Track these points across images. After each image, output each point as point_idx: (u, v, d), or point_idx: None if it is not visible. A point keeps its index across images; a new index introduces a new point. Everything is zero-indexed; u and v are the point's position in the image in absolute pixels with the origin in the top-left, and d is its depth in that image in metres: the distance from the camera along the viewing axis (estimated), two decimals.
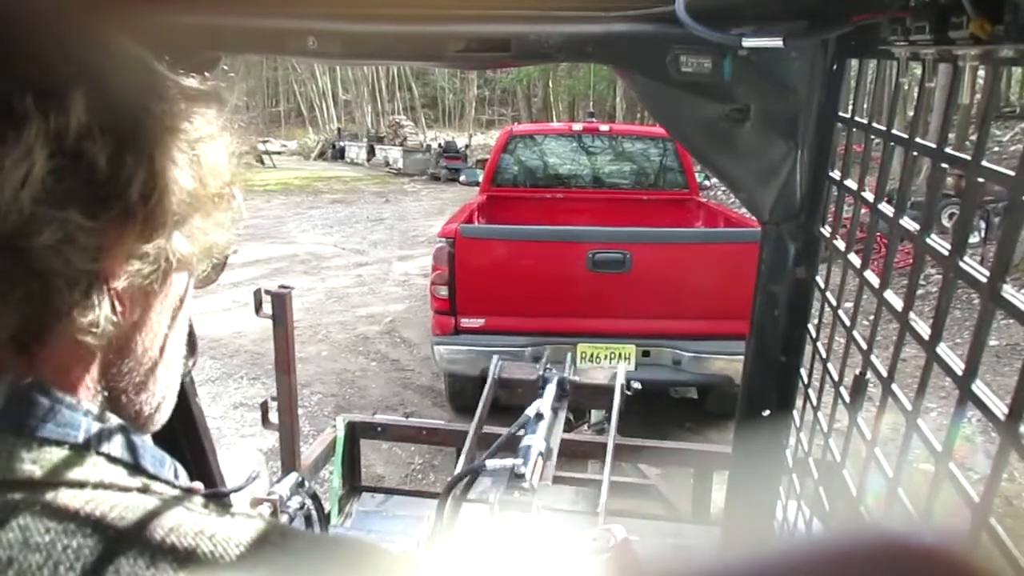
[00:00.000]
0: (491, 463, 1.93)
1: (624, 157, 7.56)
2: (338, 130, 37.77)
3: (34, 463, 0.45)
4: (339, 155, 31.36)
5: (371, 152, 29.96)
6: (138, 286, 0.52)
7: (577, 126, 7.69)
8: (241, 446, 4.95)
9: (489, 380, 2.12)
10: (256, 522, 0.48)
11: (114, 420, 0.52)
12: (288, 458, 2.59)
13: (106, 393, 0.54)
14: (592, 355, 4.89)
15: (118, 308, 0.51)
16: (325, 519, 2.23)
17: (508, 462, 1.88)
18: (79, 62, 0.48)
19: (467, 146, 29.94)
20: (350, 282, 10.32)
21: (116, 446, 0.50)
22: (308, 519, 2.08)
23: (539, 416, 1.83)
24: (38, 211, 0.45)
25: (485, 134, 39.48)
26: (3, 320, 0.46)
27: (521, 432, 1.89)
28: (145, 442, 0.53)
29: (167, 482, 0.52)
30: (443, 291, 5.06)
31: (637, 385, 3.70)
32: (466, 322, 4.98)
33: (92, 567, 0.41)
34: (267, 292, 2.34)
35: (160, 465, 0.53)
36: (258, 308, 2.35)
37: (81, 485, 0.46)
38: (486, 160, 9.55)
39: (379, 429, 3.00)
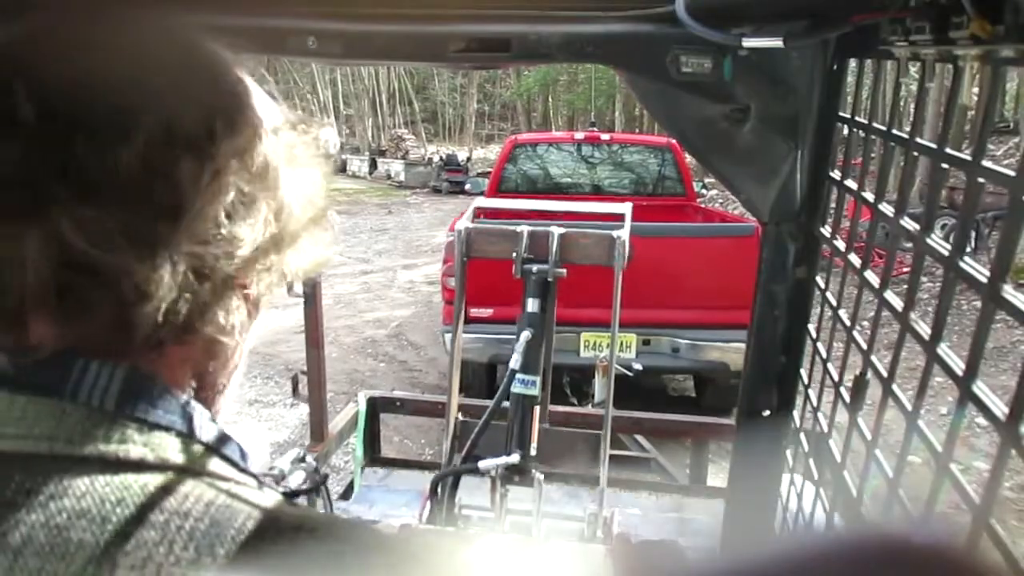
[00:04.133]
0: (483, 464, 1.96)
1: (624, 165, 7.72)
2: (339, 143, 37.82)
3: (146, 446, 0.49)
4: (340, 168, 31.38)
5: (373, 165, 30.03)
6: (261, 294, 0.58)
7: (579, 135, 7.85)
8: (246, 423, 5.05)
9: (457, 249, 2.15)
10: (349, 519, 0.53)
11: (208, 413, 0.55)
12: (317, 428, 2.77)
13: (194, 388, 0.58)
14: (595, 343, 5.07)
15: (249, 313, 0.57)
16: (330, 504, 2.25)
17: (501, 461, 1.91)
18: (236, 92, 0.55)
19: (468, 159, 30.01)
20: (356, 288, 10.35)
21: (213, 438, 0.54)
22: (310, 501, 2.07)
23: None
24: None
25: (485, 148, 39.56)
26: (175, 315, 0.50)
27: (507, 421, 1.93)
28: (232, 435, 0.57)
29: (252, 474, 0.55)
30: (453, 282, 5.13)
31: (638, 367, 3.79)
32: (475, 312, 5.05)
33: (205, 549, 0.44)
34: None
35: (243, 458, 0.56)
36: (290, 289, 2.43)
37: (187, 471, 0.49)
38: (486, 174, 9.60)
39: (398, 404, 3.14)
